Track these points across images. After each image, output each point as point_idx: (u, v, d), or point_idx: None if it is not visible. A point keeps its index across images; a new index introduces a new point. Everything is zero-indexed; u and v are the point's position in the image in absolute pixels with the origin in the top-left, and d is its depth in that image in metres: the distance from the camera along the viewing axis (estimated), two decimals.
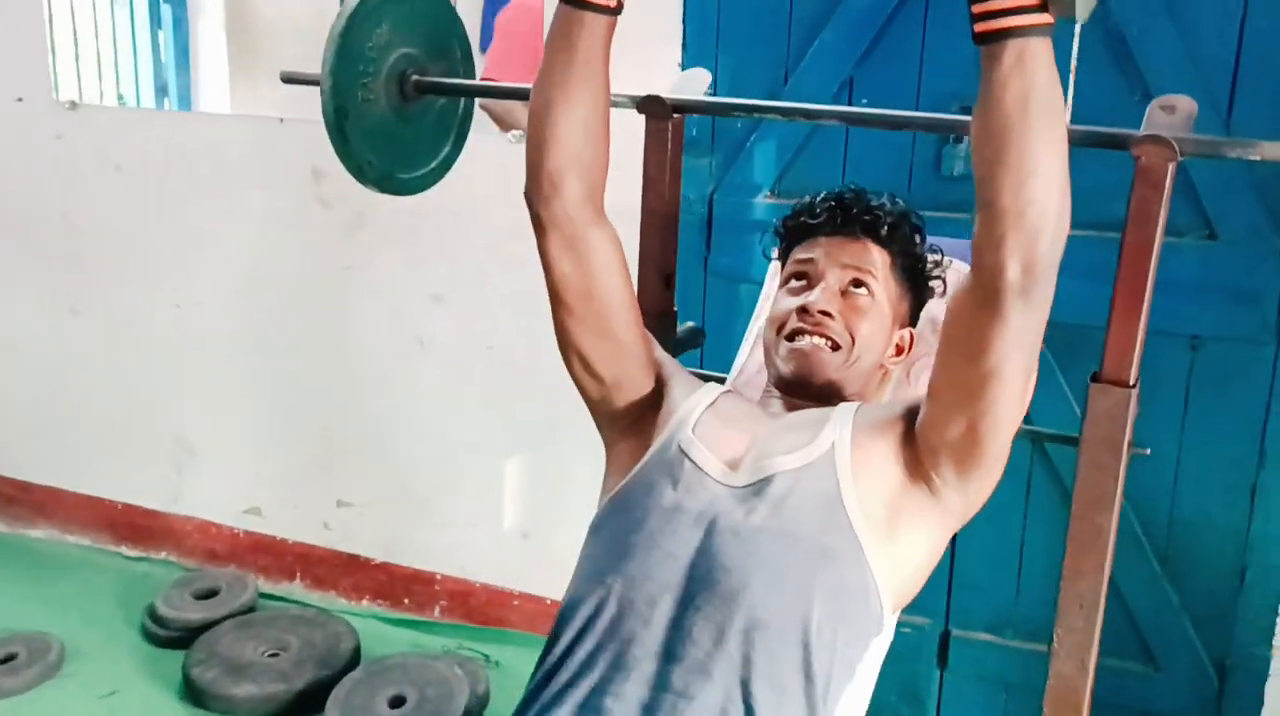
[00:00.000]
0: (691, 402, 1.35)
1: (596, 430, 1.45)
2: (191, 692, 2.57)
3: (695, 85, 1.68)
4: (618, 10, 1.24)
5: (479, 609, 2.89)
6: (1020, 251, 1.03)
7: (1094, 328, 1.47)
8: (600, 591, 1.20)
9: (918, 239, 1.49)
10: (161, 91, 4.02)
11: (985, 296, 1.08)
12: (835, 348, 1.39)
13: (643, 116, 1.63)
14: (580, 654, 1.18)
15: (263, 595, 3.00)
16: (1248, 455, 2.14)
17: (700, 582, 1.16)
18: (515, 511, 2.81)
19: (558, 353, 2.60)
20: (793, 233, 1.50)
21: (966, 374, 1.14)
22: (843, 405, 1.33)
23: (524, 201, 1.33)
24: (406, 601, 2.97)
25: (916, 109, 2.20)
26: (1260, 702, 2.26)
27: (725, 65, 2.32)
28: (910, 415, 1.26)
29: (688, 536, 1.19)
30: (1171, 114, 1.41)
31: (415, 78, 1.77)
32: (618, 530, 1.24)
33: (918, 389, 1.55)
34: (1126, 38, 2.02)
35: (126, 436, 3.19)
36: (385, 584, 2.99)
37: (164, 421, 3.14)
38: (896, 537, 1.20)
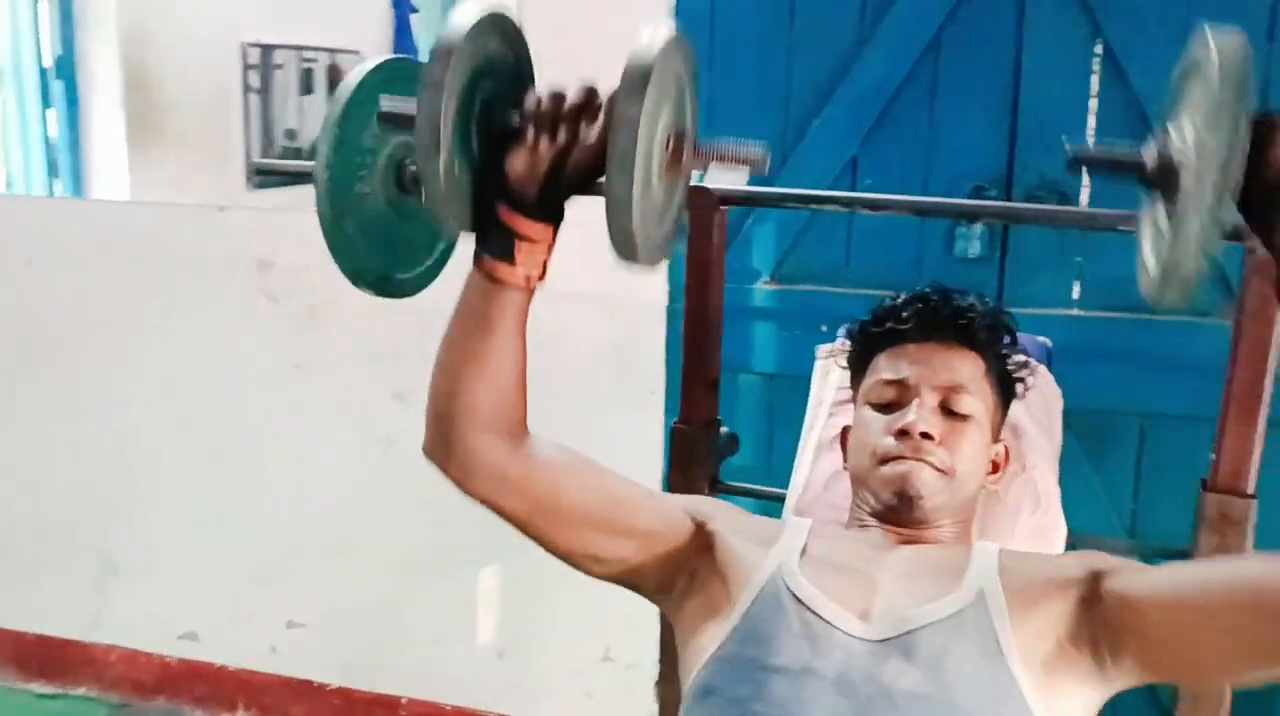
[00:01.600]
0: (784, 541, 1.18)
1: (647, 598, 1.28)
2: None
3: (736, 174, 1.53)
4: (540, 284, 1.11)
5: None
6: None
7: (1119, 413, 1.36)
8: None
9: (1009, 342, 1.36)
10: (51, 172, 3.75)
11: None
12: (938, 472, 1.24)
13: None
14: None
15: None
16: None
17: None
18: (490, 627, 2.59)
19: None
20: (875, 340, 1.35)
21: (1239, 659, 1.01)
22: (979, 545, 1.18)
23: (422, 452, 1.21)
24: None
25: (925, 189, 2.11)
26: None
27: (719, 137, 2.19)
28: (1084, 578, 1.09)
29: (830, 705, 1.02)
30: None
31: (413, 169, 1.59)
32: (736, 698, 1.06)
33: (1010, 505, 1.41)
34: (1147, 111, 1.96)
35: (39, 555, 2.86)
36: (342, 710, 2.71)
37: (85, 537, 2.82)
38: (1057, 703, 1.05)
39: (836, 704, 1.02)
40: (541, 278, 1.10)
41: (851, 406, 1.50)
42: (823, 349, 1.65)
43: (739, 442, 1.67)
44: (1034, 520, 1.41)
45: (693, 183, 1.48)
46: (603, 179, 1.00)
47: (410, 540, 2.60)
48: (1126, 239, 2.12)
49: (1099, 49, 1.99)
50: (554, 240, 1.09)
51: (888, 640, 1.06)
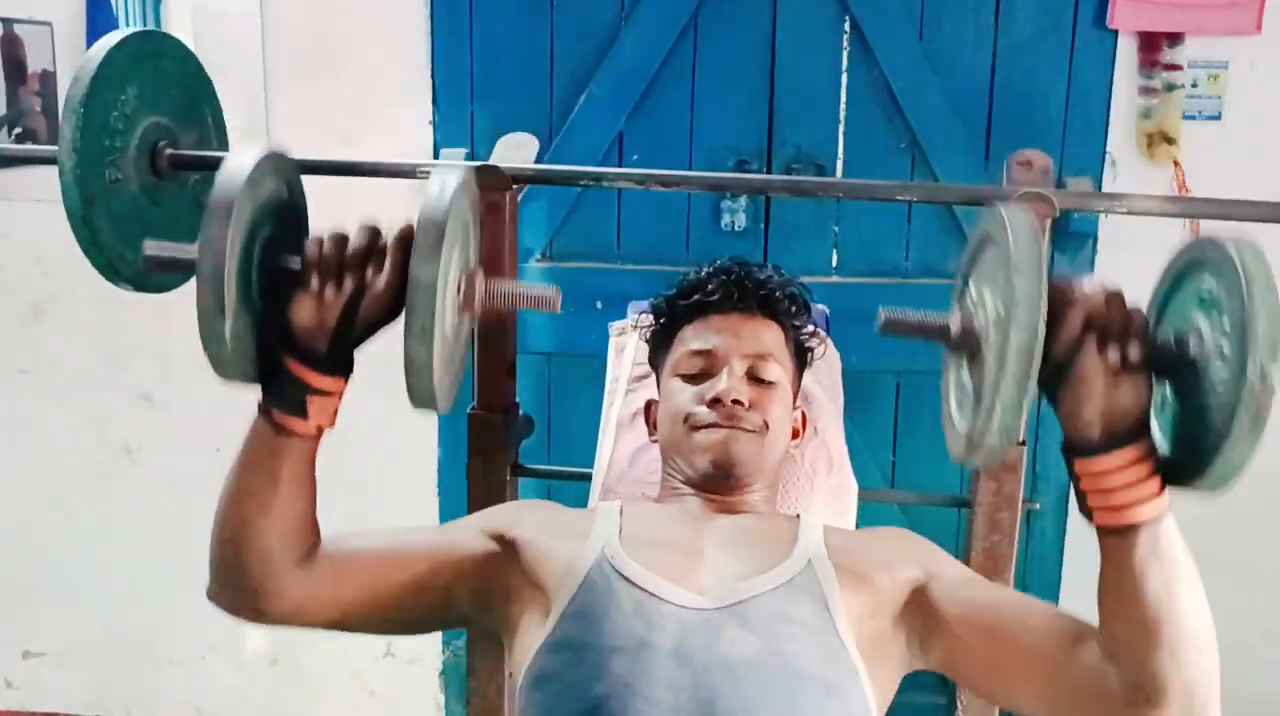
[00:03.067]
0: (598, 530, 1.17)
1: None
2: None
3: (523, 152, 1.51)
4: (328, 430, 1.06)
5: None
6: None
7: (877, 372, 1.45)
8: None
9: (806, 313, 1.41)
10: None
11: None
12: (750, 432, 1.26)
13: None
14: None
15: None
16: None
17: None
18: (260, 634, 2.45)
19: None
20: (681, 312, 1.36)
21: (1019, 702, 1.06)
22: (804, 520, 1.21)
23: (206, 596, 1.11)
24: None
25: (690, 163, 2.15)
26: None
27: (481, 122, 2.15)
28: (915, 581, 1.12)
29: (669, 677, 1.02)
30: (1030, 169, 1.42)
31: (169, 151, 1.47)
32: (574, 682, 1.04)
33: (806, 467, 1.46)
34: (894, 90, 2.07)
35: None
36: None
37: None
38: (879, 662, 1.10)
39: (676, 675, 1.02)
40: (331, 424, 1.04)
41: (647, 382, 1.52)
42: (615, 326, 1.65)
43: (534, 425, 1.64)
44: (829, 481, 1.47)
45: (482, 162, 1.45)
46: (392, 324, 0.98)
47: (165, 552, 2.41)
48: (877, 210, 2.26)
49: (847, 27, 2.09)
50: (344, 389, 1.04)
51: (721, 609, 1.07)
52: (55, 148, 1.35)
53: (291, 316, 0.99)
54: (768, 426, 1.27)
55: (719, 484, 1.25)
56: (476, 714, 1.56)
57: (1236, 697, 1.07)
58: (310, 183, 1.34)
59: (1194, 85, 2.05)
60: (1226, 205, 1.45)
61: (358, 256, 0.99)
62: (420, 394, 0.97)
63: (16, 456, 2.39)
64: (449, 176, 0.99)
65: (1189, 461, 0.89)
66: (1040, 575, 2.32)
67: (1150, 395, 0.91)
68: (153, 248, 1.07)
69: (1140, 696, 0.92)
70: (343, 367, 1.02)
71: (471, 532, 1.20)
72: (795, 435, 1.38)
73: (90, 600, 2.45)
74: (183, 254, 1.01)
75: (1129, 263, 2.14)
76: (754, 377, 1.30)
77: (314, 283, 0.98)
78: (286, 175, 1.08)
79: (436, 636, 2.43)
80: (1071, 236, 2.12)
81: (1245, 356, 0.83)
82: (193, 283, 1.37)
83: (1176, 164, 2.07)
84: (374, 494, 2.25)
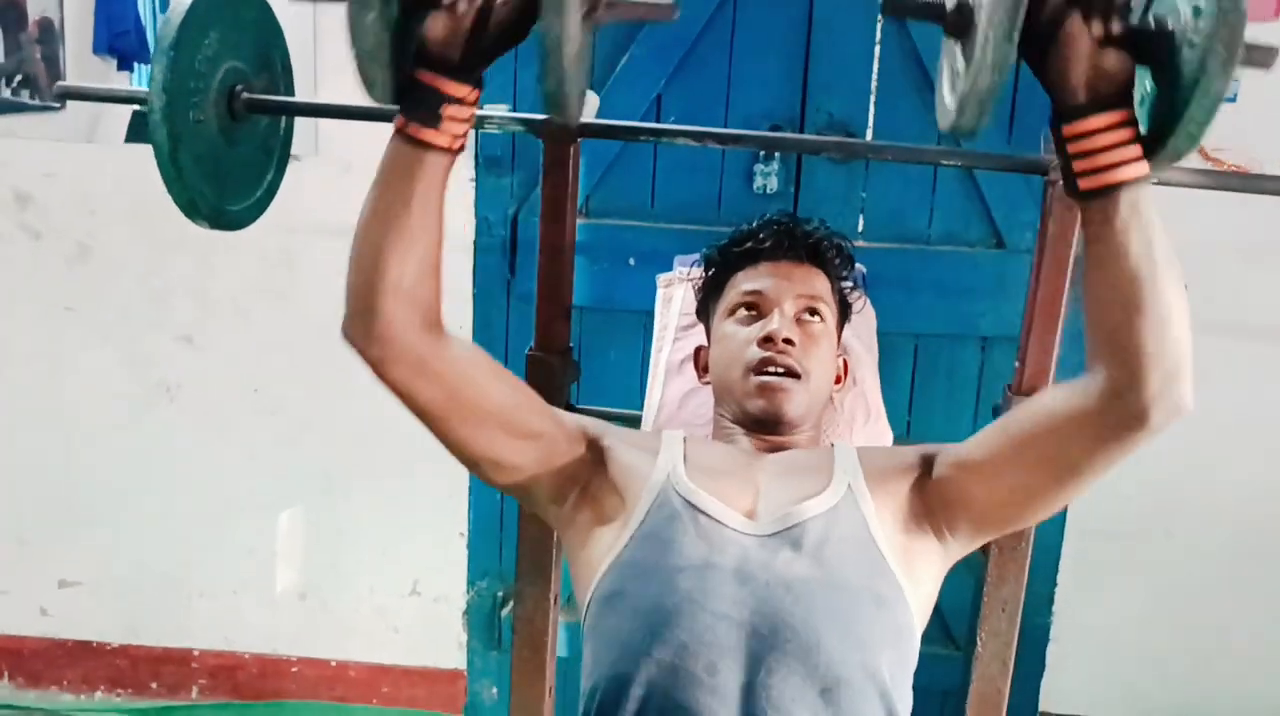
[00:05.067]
0: (666, 453, 1.25)
1: (538, 513, 1.34)
2: None
3: (586, 106, 1.58)
4: (462, 149, 1.11)
5: (249, 682, 2.59)
6: (1169, 398, 1.00)
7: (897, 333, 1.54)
8: (648, 666, 1.08)
9: (850, 266, 1.49)
10: None
11: (1116, 432, 1.04)
12: (797, 377, 1.35)
13: None
14: None
15: None
16: None
17: (765, 644, 1.08)
18: (290, 572, 2.54)
19: (333, 394, 2.38)
20: (734, 259, 1.45)
21: (1047, 486, 1.14)
22: (839, 446, 1.30)
23: (341, 334, 1.15)
24: (155, 686, 2.60)
25: (725, 127, 2.21)
26: (1044, 663, 2.50)
27: (525, 81, 2.21)
28: (922, 465, 1.23)
29: (733, 594, 1.11)
30: None
31: (245, 95, 1.54)
32: (644, 597, 1.13)
33: (846, 416, 1.55)
34: (924, 62, 2.15)
35: None
36: (125, 670, 2.60)
37: None
38: (916, 576, 1.19)
39: (738, 592, 1.11)
40: (463, 145, 1.09)
41: (693, 331, 1.60)
42: (663, 278, 1.73)
43: (580, 369, 1.73)
44: (866, 429, 1.56)
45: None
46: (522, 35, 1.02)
47: (200, 490, 2.50)
48: (904, 178, 2.34)
49: None
50: (476, 104, 1.08)
51: (776, 533, 1.16)
52: (144, 88, 1.43)
53: (427, 32, 1.04)
54: (813, 370, 1.36)
55: (769, 427, 1.34)
56: (522, 640, 1.65)
57: None
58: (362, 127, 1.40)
59: None
60: (1254, 180, 1.54)
61: None
62: (553, 98, 1.02)
63: (58, 392, 2.46)
64: None
65: (1163, 125, 0.95)
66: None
67: (1132, 71, 0.97)
68: None
69: (1118, 367, 1.01)
70: (475, 78, 1.06)
71: (573, 423, 1.29)
72: (838, 380, 1.47)
73: (125, 533, 2.53)
74: None
75: None
76: (802, 321, 1.38)
77: None
78: None
79: (461, 576, 2.51)
80: None
81: (1217, 12, 0.89)
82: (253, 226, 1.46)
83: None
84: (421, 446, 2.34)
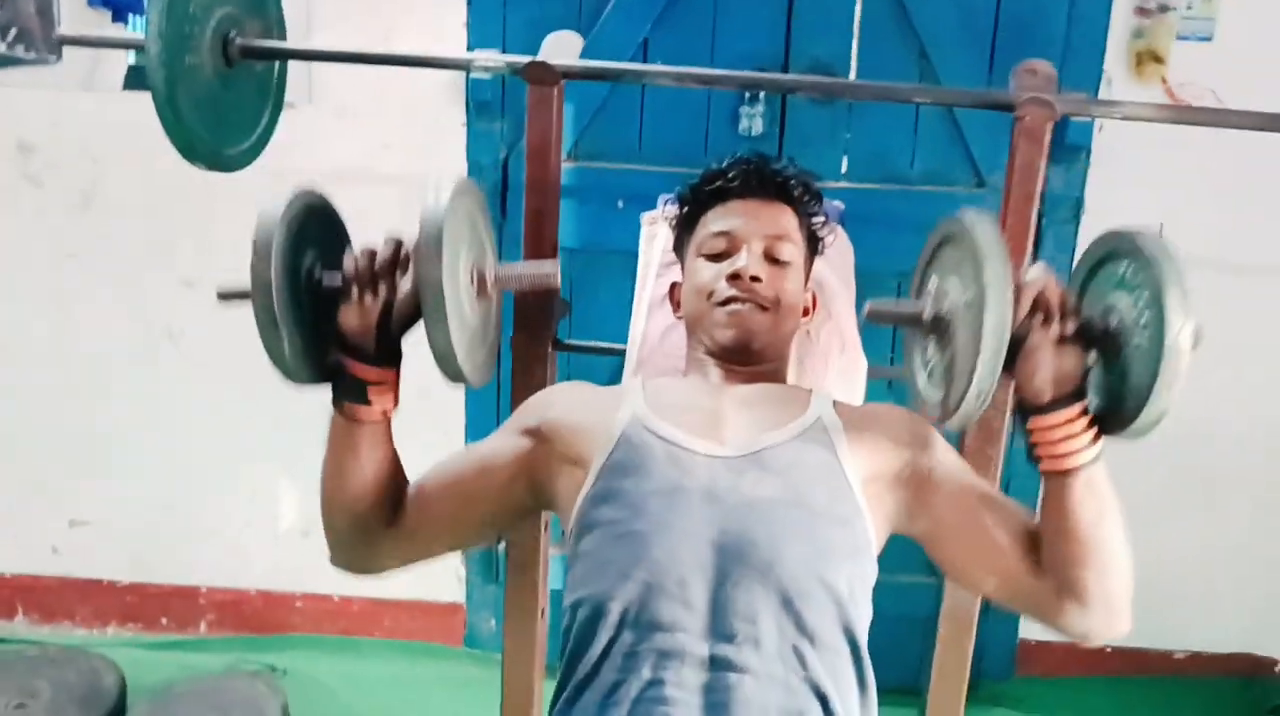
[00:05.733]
0: (629, 400, 1.31)
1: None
2: None
3: (568, 49, 1.63)
4: (394, 408, 1.26)
5: (255, 617, 2.67)
6: (1105, 630, 1.20)
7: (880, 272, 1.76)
8: (625, 584, 1.15)
9: (818, 201, 1.54)
10: None
11: (1047, 623, 1.22)
12: (764, 309, 1.40)
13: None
14: (621, 650, 1.13)
15: None
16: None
17: (731, 558, 1.15)
18: (294, 509, 2.61)
19: None
20: (704, 198, 1.50)
21: (973, 583, 1.31)
22: (816, 393, 1.35)
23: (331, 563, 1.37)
24: (165, 621, 2.69)
25: (712, 68, 2.25)
26: None
27: (514, 26, 2.26)
28: (914, 450, 1.28)
29: (701, 513, 1.17)
30: (1035, 77, 1.55)
31: (239, 41, 1.58)
32: (617, 521, 1.19)
33: (820, 347, 1.61)
34: (906, 5, 2.19)
35: None
36: (135, 606, 2.68)
37: None
38: (877, 508, 1.25)
39: (707, 512, 1.17)
40: (395, 405, 1.25)
41: (676, 268, 1.66)
42: (647, 216, 1.78)
43: (569, 307, 1.79)
44: (842, 359, 1.62)
45: (534, 58, 1.57)
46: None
47: (203, 430, 2.57)
48: (887, 119, 2.38)
49: None
50: (398, 376, 1.23)
51: (743, 457, 1.22)
52: (140, 34, 1.47)
53: (342, 323, 1.21)
54: (780, 302, 1.41)
55: (737, 356, 1.39)
56: (514, 565, 1.73)
57: None
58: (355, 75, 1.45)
59: (1189, 7, 2.17)
60: (1219, 114, 1.59)
61: (386, 267, 1.19)
62: (447, 369, 1.17)
63: (65, 337, 2.52)
64: (443, 187, 1.18)
65: (1118, 414, 1.12)
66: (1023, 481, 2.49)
67: (1086, 365, 1.15)
68: (224, 284, 1.27)
69: (1069, 598, 1.17)
70: (391, 359, 1.23)
71: (510, 437, 1.36)
72: (806, 313, 1.52)
73: (133, 473, 2.60)
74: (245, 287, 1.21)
75: (1120, 174, 2.31)
76: (770, 257, 1.43)
77: (354, 295, 1.19)
78: (315, 202, 1.26)
79: None
80: (1067, 149, 2.26)
81: (1164, 326, 1.04)
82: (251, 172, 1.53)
83: (1164, 81, 2.20)
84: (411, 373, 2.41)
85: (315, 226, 1.25)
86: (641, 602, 1.14)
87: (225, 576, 2.67)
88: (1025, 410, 1.15)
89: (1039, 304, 1.12)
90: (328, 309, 1.21)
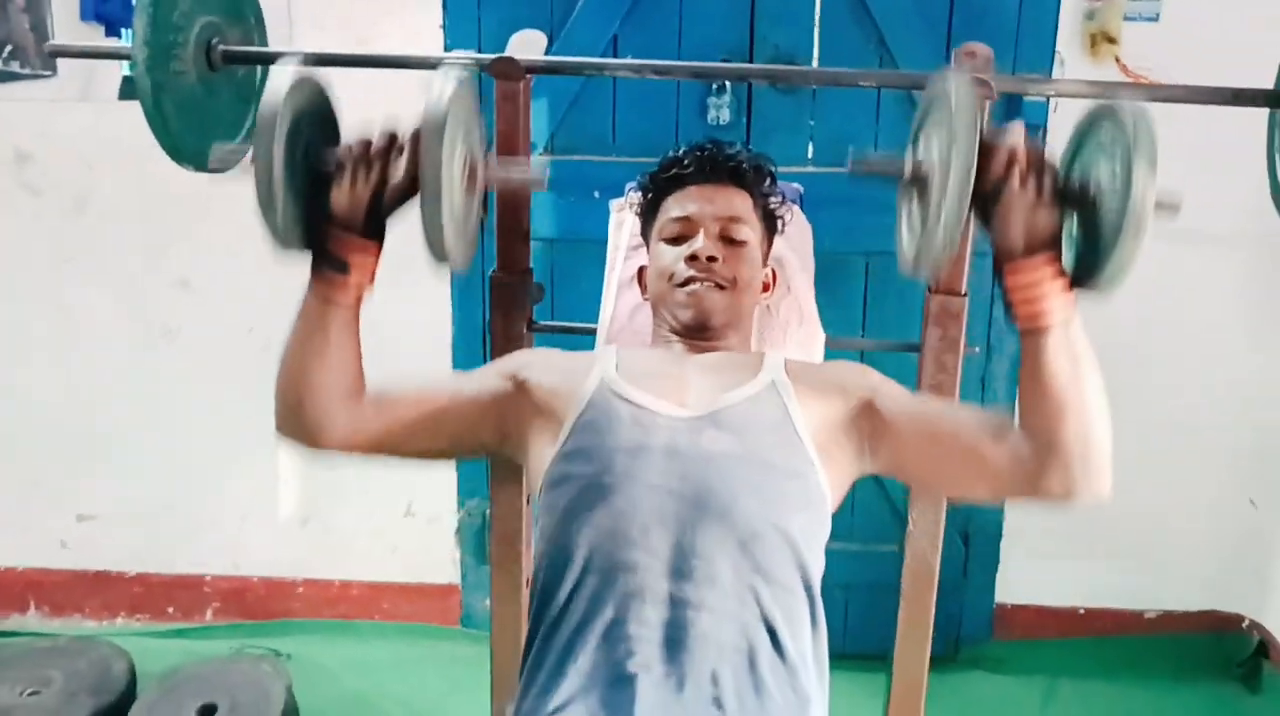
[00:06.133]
0: (600, 365, 1.40)
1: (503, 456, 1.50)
2: None
3: (533, 46, 1.72)
4: (370, 283, 1.31)
5: (258, 603, 2.77)
6: (1079, 486, 1.20)
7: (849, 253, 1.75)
8: (590, 531, 1.23)
9: (770, 183, 1.63)
10: None
11: (1021, 486, 1.23)
12: (722, 288, 1.49)
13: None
14: (586, 592, 1.21)
15: None
16: (979, 355, 2.51)
17: (690, 506, 1.23)
18: (291, 499, 2.71)
19: None
20: (663, 185, 1.59)
21: (945, 474, 1.34)
22: (768, 354, 1.45)
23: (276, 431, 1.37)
24: (171, 610, 2.78)
25: (679, 60, 2.34)
26: (997, 560, 2.68)
27: (488, 25, 2.35)
28: (859, 390, 1.36)
29: (663, 467, 1.26)
30: (974, 59, 1.63)
31: (221, 47, 1.67)
32: (586, 476, 1.28)
33: (780, 321, 1.70)
34: None
35: None
36: (142, 596, 2.78)
37: None
38: (831, 459, 1.34)
39: (668, 466, 1.26)
40: (370, 284, 1.30)
41: (643, 251, 1.75)
42: (615, 203, 1.87)
43: (544, 291, 1.87)
44: (801, 331, 1.71)
45: (498, 55, 1.66)
46: (417, 201, 1.21)
47: (203, 424, 2.66)
48: (849, 106, 2.46)
49: None
50: (379, 253, 1.29)
51: (701, 417, 1.31)
52: (129, 44, 1.56)
53: (332, 204, 1.26)
54: (737, 280, 1.50)
55: (698, 332, 1.48)
56: (497, 535, 1.81)
57: None
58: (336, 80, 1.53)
59: None
60: (1149, 89, 1.67)
61: (381, 152, 1.25)
62: (436, 250, 1.23)
63: (66, 339, 2.62)
64: (448, 77, 1.25)
65: (1090, 267, 1.16)
66: None
67: (1061, 222, 1.18)
68: (219, 149, 1.37)
69: (1049, 457, 1.19)
70: (376, 234, 1.28)
71: (490, 376, 1.44)
72: (765, 288, 1.61)
73: (136, 468, 2.70)
74: (242, 154, 1.31)
75: None
76: (726, 238, 1.52)
77: (347, 176, 1.25)
78: (317, 92, 1.33)
79: (453, 498, 2.69)
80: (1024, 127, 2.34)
81: (1131, 179, 1.08)
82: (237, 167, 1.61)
83: (1118, 60, 2.29)
84: (393, 355, 2.48)
85: (314, 113, 1.32)
86: (606, 548, 1.22)
87: (228, 565, 2.76)
88: (1002, 266, 1.19)
89: (1014, 159, 1.16)
90: (321, 189, 1.28)
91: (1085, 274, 1.17)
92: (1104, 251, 1.13)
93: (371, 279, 1.30)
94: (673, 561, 1.21)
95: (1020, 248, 1.17)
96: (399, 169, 1.24)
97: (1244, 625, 2.67)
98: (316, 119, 1.32)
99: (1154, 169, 1.09)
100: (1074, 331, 1.18)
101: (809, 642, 1.23)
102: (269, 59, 1.81)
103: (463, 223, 1.31)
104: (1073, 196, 1.18)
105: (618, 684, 1.14)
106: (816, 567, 1.29)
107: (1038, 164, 1.18)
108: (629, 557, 1.21)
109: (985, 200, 1.17)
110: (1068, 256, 1.21)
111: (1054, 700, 2.56)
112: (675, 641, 1.16)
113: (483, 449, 1.46)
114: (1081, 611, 2.71)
